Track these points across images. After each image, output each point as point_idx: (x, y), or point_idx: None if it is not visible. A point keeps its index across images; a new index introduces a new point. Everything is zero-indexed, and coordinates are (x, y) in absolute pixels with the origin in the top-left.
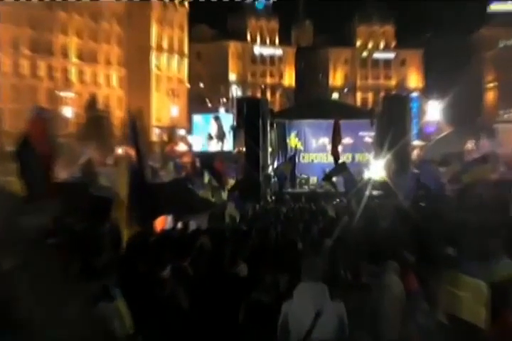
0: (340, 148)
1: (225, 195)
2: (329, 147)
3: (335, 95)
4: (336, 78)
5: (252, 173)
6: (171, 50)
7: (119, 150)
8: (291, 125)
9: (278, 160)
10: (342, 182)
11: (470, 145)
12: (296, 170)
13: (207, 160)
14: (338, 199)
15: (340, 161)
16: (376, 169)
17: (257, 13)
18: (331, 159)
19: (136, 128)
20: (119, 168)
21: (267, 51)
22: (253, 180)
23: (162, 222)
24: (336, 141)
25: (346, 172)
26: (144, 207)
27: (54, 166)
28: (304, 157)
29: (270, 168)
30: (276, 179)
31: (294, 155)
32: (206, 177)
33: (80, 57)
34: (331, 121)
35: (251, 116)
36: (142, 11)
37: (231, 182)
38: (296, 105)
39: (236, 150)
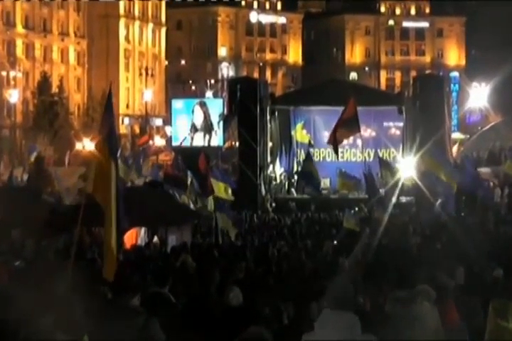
0: (360, 142)
1: (212, 201)
2: (347, 141)
3: (353, 75)
4: (355, 53)
5: (248, 174)
6: (144, 18)
7: (79, 146)
8: (298, 113)
9: (280, 157)
10: (360, 184)
11: None
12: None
13: (190, 157)
14: (357, 208)
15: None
16: (405, 169)
17: None
18: (347, 156)
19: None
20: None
21: (267, 19)
22: (249, 183)
23: (133, 236)
24: (340, 127)
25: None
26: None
27: None
28: (313, 154)
29: (270, 168)
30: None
31: (309, 153)
32: (190, 180)
33: (28, 26)
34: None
35: (246, 102)
36: None
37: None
38: (303, 88)
39: (227, 145)
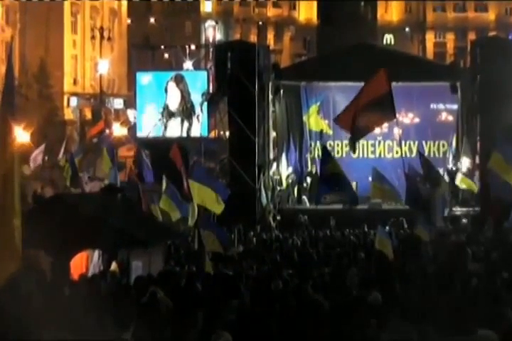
0: (397, 132)
1: (194, 213)
2: (380, 130)
3: (388, 38)
4: (390, 8)
5: (243, 177)
6: None
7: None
8: (312, 91)
9: (288, 153)
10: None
11: None
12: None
13: (163, 153)
14: (394, 223)
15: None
16: (461, 169)
17: None
18: (380, 151)
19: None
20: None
21: None
22: (244, 188)
23: (82, 263)
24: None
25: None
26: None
27: None
28: (333, 148)
29: (274, 167)
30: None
31: (326, 148)
32: (164, 184)
33: None
34: None
35: (240, 76)
36: None
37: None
38: (319, 56)
39: (213, 135)
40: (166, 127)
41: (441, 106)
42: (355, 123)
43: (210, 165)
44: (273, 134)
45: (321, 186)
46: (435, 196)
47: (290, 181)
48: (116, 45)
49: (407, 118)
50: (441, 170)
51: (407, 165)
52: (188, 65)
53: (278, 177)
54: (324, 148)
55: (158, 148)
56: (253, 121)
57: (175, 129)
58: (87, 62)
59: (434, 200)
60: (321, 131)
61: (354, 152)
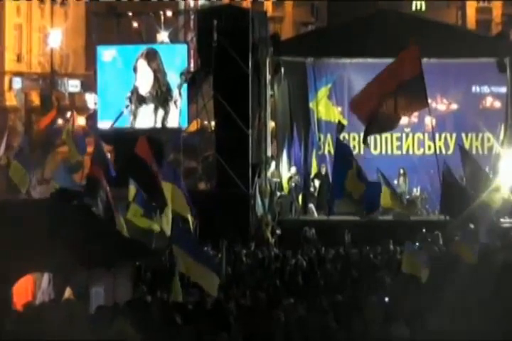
0: (430, 121)
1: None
2: (407, 120)
3: (418, 2)
4: None
5: (232, 179)
6: None
7: None
8: (321, 69)
9: (290, 149)
10: (428, 193)
11: None
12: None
13: (130, 149)
14: (423, 231)
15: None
16: (510, 169)
17: None
18: (408, 146)
19: None
20: None
21: None
22: (234, 193)
23: (27, 289)
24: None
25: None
26: None
27: None
28: (348, 142)
29: (272, 167)
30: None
31: (344, 146)
32: (132, 188)
33: None
34: None
35: (229, 50)
36: None
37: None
38: (330, 26)
39: (194, 126)
40: (135, 116)
41: (485, 88)
42: (376, 112)
43: (191, 165)
44: (271, 125)
45: (334, 191)
46: (479, 203)
47: (293, 185)
48: (72, 12)
49: (442, 104)
50: (487, 169)
51: (442, 163)
52: (163, 36)
53: (278, 179)
54: (339, 142)
55: (126, 142)
56: (246, 109)
57: (147, 118)
58: (35, 33)
59: (478, 209)
60: (340, 123)
61: (366, 145)
